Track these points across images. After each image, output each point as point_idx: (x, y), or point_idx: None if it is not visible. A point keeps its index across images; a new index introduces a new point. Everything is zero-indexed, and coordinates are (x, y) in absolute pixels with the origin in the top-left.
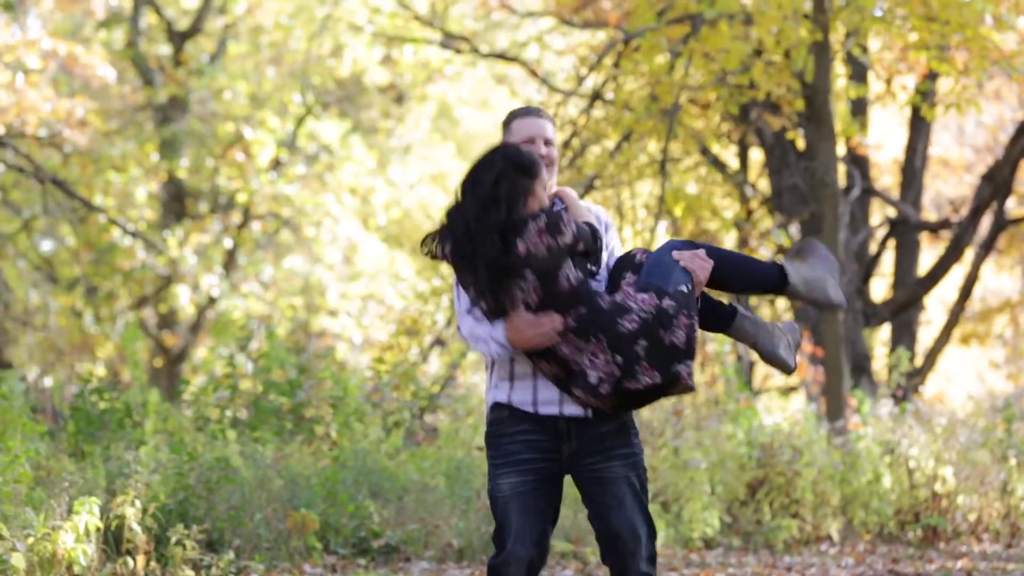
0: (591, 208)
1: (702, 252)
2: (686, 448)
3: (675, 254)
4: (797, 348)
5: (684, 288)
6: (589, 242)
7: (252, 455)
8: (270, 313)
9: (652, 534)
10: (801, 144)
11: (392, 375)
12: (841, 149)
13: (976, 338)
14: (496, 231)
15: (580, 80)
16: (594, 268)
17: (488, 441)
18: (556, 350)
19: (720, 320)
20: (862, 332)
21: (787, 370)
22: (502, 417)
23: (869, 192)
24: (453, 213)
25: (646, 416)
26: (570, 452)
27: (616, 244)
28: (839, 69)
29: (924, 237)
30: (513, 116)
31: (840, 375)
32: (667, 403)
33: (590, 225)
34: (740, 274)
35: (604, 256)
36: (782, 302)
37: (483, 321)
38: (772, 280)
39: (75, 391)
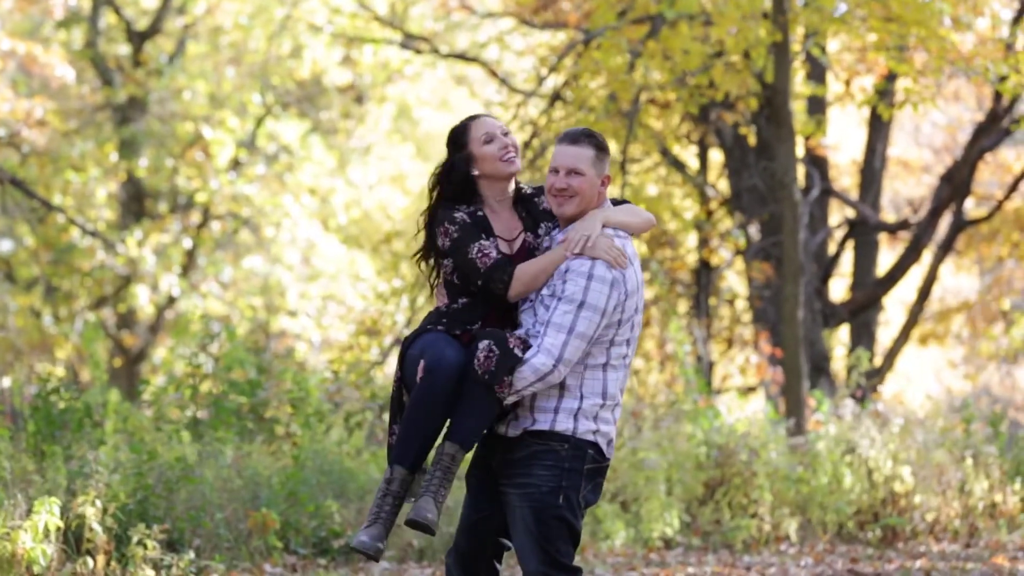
0: (573, 264)
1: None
2: (642, 448)
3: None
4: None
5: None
6: (469, 272)
7: (212, 455)
8: (229, 313)
9: (549, 561)
10: (754, 140)
11: (349, 374)
12: (800, 150)
13: (935, 338)
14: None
15: (540, 81)
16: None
17: None
18: None
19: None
20: (821, 333)
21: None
22: None
23: (828, 193)
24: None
25: None
26: (495, 466)
27: (556, 303)
28: (798, 70)
29: (883, 238)
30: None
31: (799, 375)
32: (626, 404)
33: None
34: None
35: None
36: (741, 303)
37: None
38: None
39: (34, 391)
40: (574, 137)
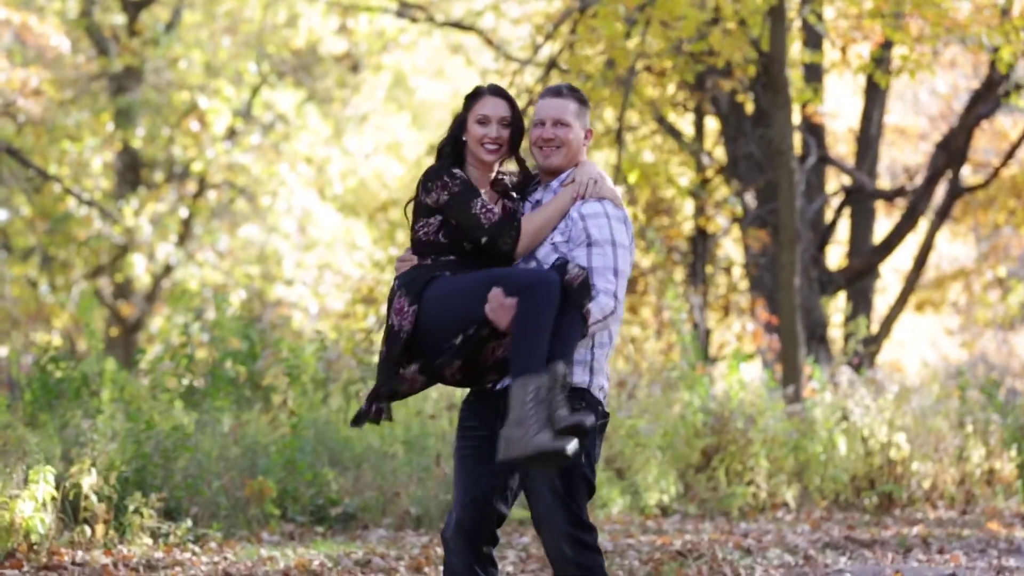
0: (583, 208)
1: (510, 303)
2: (638, 416)
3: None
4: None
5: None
6: (468, 227)
7: (210, 423)
8: (226, 282)
9: (572, 520)
10: (751, 108)
11: (345, 343)
12: (797, 117)
13: (931, 305)
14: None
15: (536, 49)
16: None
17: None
18: None
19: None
20: (818, 300)
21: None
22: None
23: (824, 160)
24: None
25: None
26: (501, 427)
27: (584, 250)
28: (795, 37)
29: (879, 205)
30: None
31: (796, 343)
32: (619, 370)
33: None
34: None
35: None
36: (737, 271)
37: None
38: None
39: (31, 360)
40: (557, 90)
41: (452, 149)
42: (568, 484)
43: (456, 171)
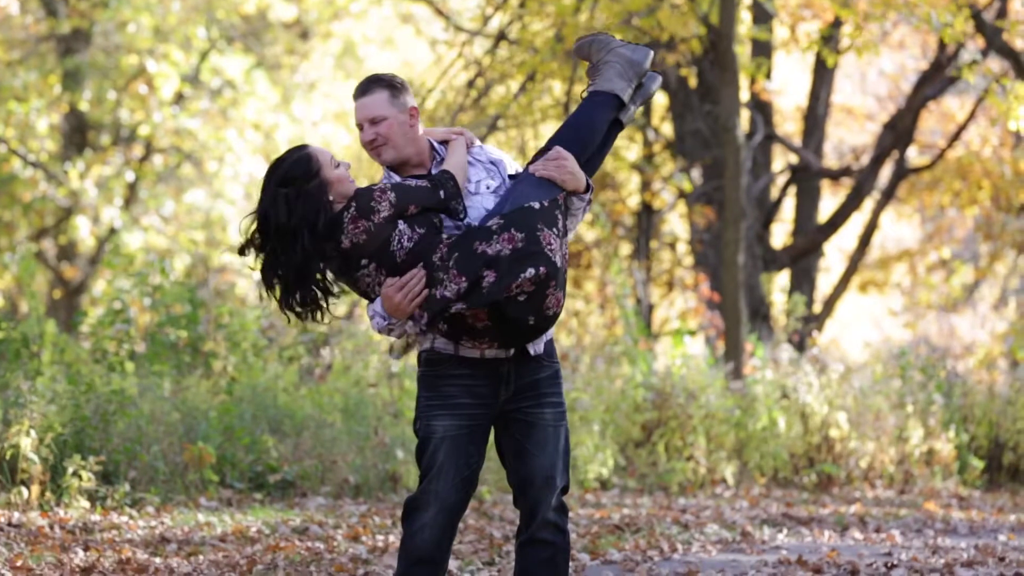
0: (486, 151)
1: (552, 153)
2: (577, 390)
3: (532, 168)
4: (611, 38)
5: (539, 203)
6: (427, 198)
7: (150, 388)
8: (170, 247)
9: (566, 487)
10: (694, 83)
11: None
12: (745, 95)
13: (875, 286)
14: (317, 248)
15: (486, 20)
16: (457, 215)
17: (424, 382)
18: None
19: (617, 108)
20: (761, 278)
21: (651, 52)
22: (442, 359)
23: (771, 138)
24: (268, 266)
25: None
26: (506, 396)
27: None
28: (744, 14)
29: (825, 184)
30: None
31: (738, 320)
32: (563, 343)
33: (438, 178)
34: (594, 128)
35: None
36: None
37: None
38: (607, 103)
39: None
40: (363, 88)
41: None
42: (567, 442)
43: (369, 186)
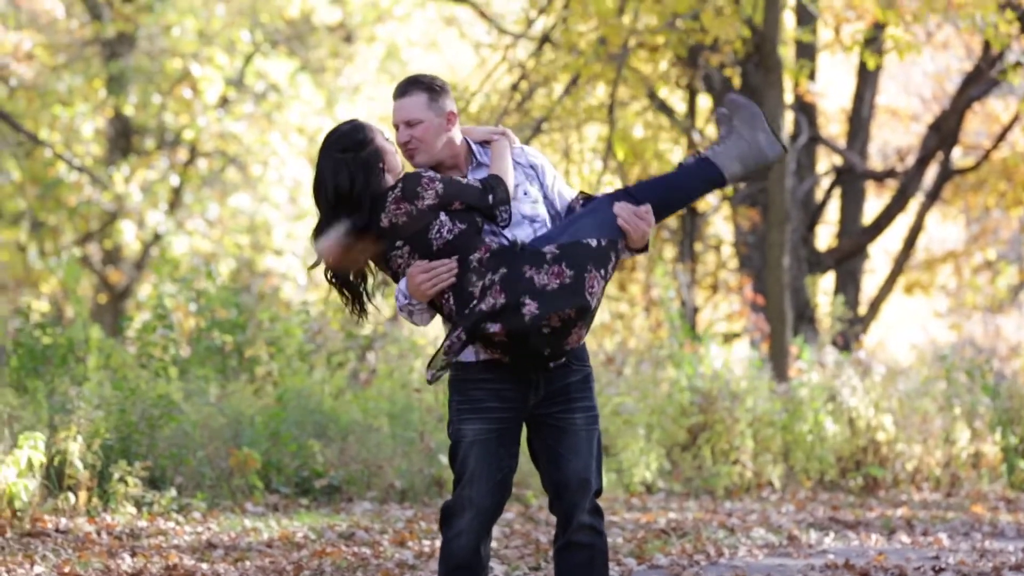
0: (526, 154)
1: (643, 209)
2: (623, 394)
3: (616, 208)
4: (762, 119)
5: (597, 242)
6: (475, 198)
7: (196, 393)
8: (215, 251)
9: (599, 490)
10: (738, 82)
11: (335, 315)
12: (789, 97)
13: (920, 288)
14: (364, 221)
15: (530, 23)
16: (500, 221)
17: (454, 385)
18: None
19: (713, 185)
20: (806, 280)
21: (784, 153)
22: (471, 363)
23: (816, 140)
24: (317, 230)
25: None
26: (535, 401)
27: (560, 185)
28: (788, 16)
29: (870, 186)
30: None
31: (783, 323)
32: (608, 349)
33: (491, 182)
34: (680, 195)
35: (539, 198)
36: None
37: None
38: (709, 178)
39: (18, 326)
40: (402, 89)
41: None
42: (600, 445)
43: (419, 171)
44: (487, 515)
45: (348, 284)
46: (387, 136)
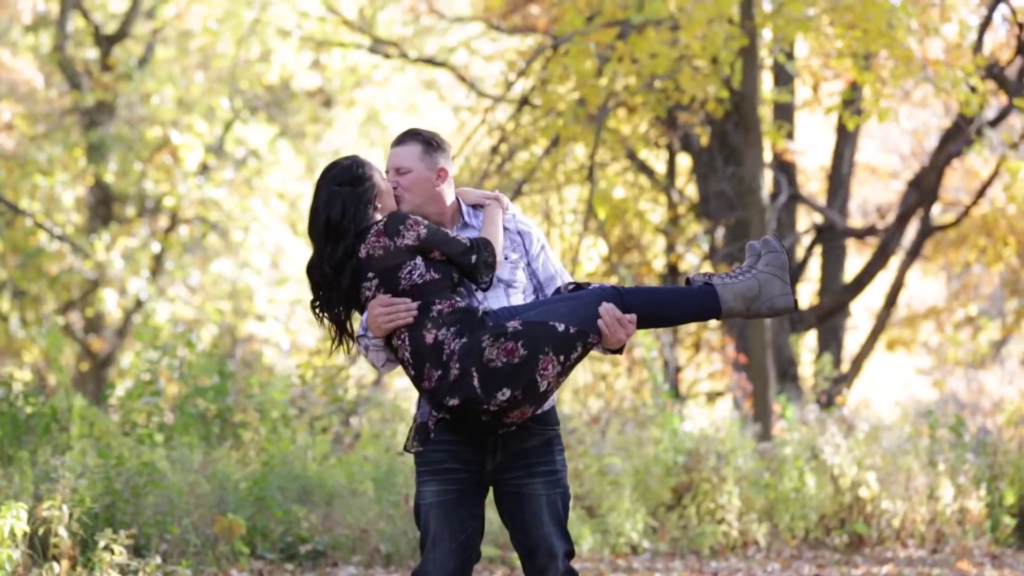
0: (516, 220)
1: (628, 318)
2: (608, 454)
3: (602, 308)
4: (786, 270)
5: (565, 328)
6: (456, 253)
7: (179, 460)
8: (197, 318)
9: (569, 552)
10: (706, 141)
11: (317, 379)
12: (768, 155)
13: (902, 344)
14: (345, 250)
15: (508, 85)
16: (481, 283)
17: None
18: (415, 336)
19: (707, 315)
20: (788, 338)
21: (794, 310)
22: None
23: (796, 198)
24: (313, 264)
25: (573, 422)
26: (493, 466)
27: (547, 256)
28: (766, 76)
29: (850, 243)
30: None
31: (766, 381)
32: (590, 407)
33: (479, 244)
34: (670, 311)
35: (519, 264)
36: None
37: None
38: (706, 307)
39: (0, 395)
40: (400, 138)
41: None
42: (565, 510)
43: (407, 213)
44: None
45: (333, 316)
46: (384, 176)
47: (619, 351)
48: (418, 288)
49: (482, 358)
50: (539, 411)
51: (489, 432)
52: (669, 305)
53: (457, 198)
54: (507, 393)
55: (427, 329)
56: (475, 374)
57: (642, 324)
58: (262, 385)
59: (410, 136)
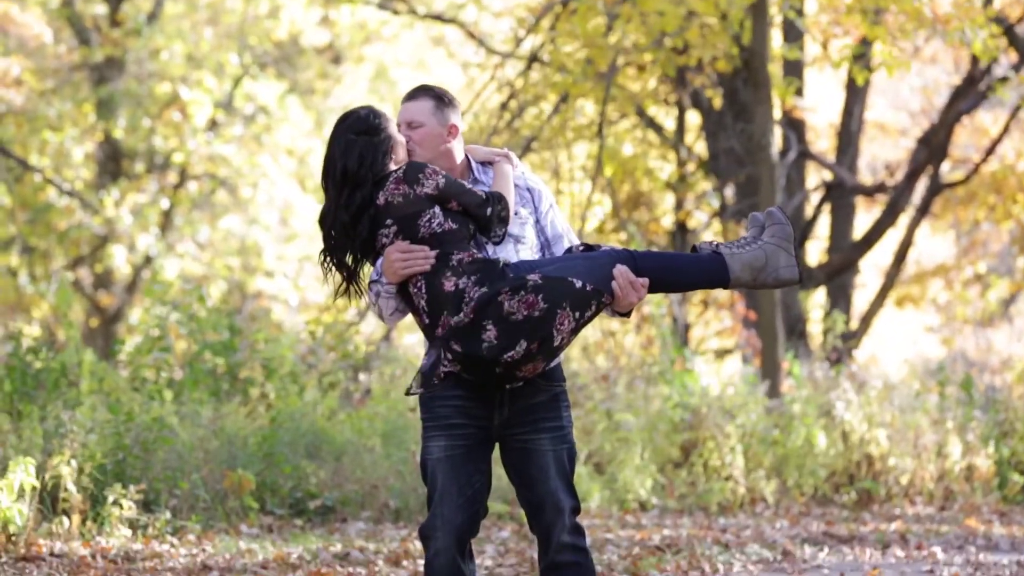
0: (526, 178)
1: (641, 282)
2: (617, 410)
3: (616, 269)
4: (791, 242)
5: (582, 284)
6: (474, 205)
7: (189, 415)
8: (206, 274)
9: (576, 507)
10: (719, 103)
11: (326, 335)
12: (777, 112)
13: (911, 301)
14: (363, 199)
15: (518, 42)
16: (493, 236)
17: (422, 402)
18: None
19: (716, 284)
20: (797, 295)
21: (798, 282)
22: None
23: (805, 155)
24: (327, 212)
25: (582, 379)
26: (500, 421)
27: (554, 215)
28: (775, 33)
29: (860, 201)
30: None
31: (775, 338)
32: (599, 365)
33: (493, 197)
34: (680, 278)
35: (528, 220)
36: None
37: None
38: (715, 275)
39: (9, 350)
40: (412, 93)
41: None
42: (572, 465)
43: (425, 163)
44: (460, 532)
45: (342, 265)
46: (398, 127)
47: (627, 314)
48: (437, 237)
49: (502, 310)
50: (548, 366)
51: (497, 387)
52: (680, 271)
53: (467, 155)
54: (523, 345)
55: (446, 277)
56: (492, 327)
57: (652, 288)
58: (268, 341)
59: (422, 91)
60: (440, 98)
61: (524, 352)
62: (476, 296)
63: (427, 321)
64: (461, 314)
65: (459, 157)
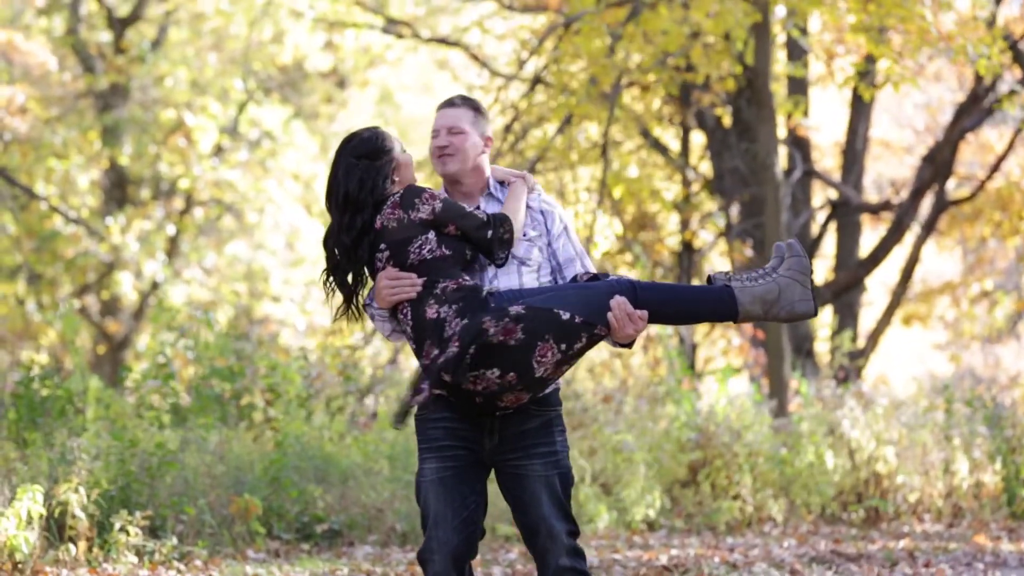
0: (540, 200)
1: (639, 314)
2: (623, 431)
3: (613, 301)
4: (808, 275)
5: (570, 317)
6: (472, 228)
7: (195, 441)
8: (213, 299)
9: (572, 531)
10: (728, 121)
11: (331, 359)
12: (782, 131)
13: (918, 319)
14: (364, 223)
15: (521, 64)
16: (497, 259)
17: (416, 426)
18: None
19: (723, 317)
20: None
21: (813, 316)
22: (429, 402)
23: (810, 174)
24: (329, 236)
25: (587, 400)
26: (491, 446)
27: (567, 239)
28: (779, 51)
29: (865, 219)
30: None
31: (782, 357)
32: (607, 386)
33: (497, 219)
34: (685, 313)
35: (536, 241)
36: None
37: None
38: (722, 308)
39: (17, 378)
40: (450, 101)
41: None
42: (565, 490)
43: (425, 187)
44: (457, 554)
45: (343, 285)
46: (404, 148)
47: (628, 345)
48: (427, 263)
49: (483, 337)
50: (535, 397)
51: (486, 414)
52: (684, 303)
53: (486, 172)
54: (496, 372)
55: (429, 305)
56: (471, 352)
57: (655, 320)
58: (272, 366)
59: (463, 100)
60: (478, 109)
61: (498, 380)
62: (458, 329)
63: (414, 347)
64: (447, 347)
65: (487, 171)
